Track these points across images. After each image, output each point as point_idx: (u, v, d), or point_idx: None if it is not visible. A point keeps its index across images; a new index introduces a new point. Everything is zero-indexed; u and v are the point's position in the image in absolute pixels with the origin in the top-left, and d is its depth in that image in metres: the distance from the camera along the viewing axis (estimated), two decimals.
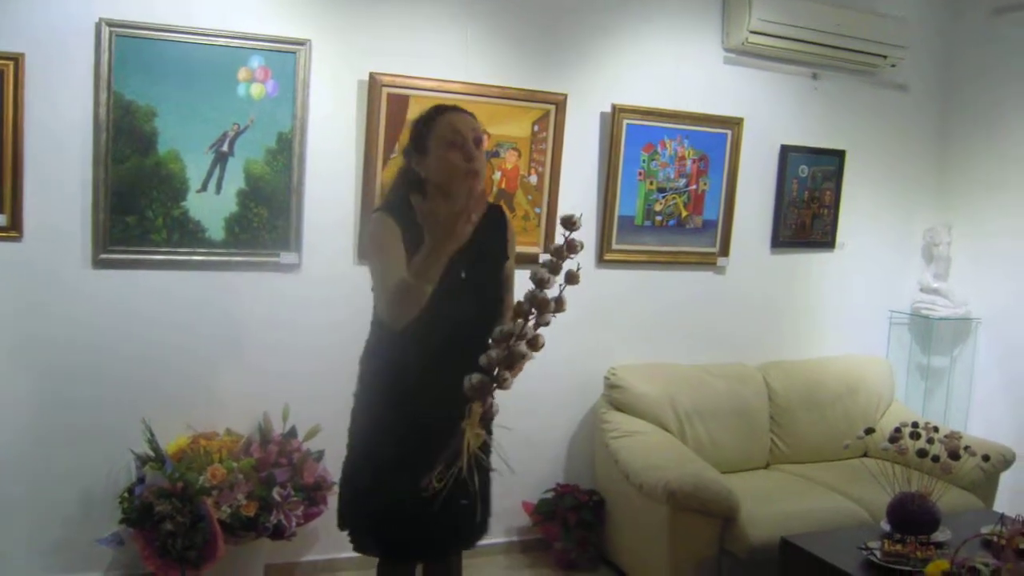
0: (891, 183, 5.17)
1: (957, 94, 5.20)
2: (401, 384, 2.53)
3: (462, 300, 2.49)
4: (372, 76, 3.83)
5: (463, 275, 2.50)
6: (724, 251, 4.68)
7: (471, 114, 2.61)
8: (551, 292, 2.20)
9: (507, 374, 2.20)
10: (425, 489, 2.23)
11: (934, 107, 5.23)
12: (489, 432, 2.47)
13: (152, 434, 3.56)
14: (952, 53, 5.20)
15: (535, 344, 2.21)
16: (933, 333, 5.12)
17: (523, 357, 2.18)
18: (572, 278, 2.25)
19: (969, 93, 5.14)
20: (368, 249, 2.71)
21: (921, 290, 5.17)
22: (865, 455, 4.62)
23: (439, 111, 2.57)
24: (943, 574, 2.77)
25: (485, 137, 2.63)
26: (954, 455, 3.32)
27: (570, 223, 2.21)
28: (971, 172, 5.13)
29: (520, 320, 2.20)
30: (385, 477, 2.53)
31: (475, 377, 2.18)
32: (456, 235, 2.17)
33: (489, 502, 2.71)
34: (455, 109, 2.59)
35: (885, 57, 4.79)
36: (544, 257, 2.47)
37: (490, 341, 2.19)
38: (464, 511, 2.50)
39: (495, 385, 2.20)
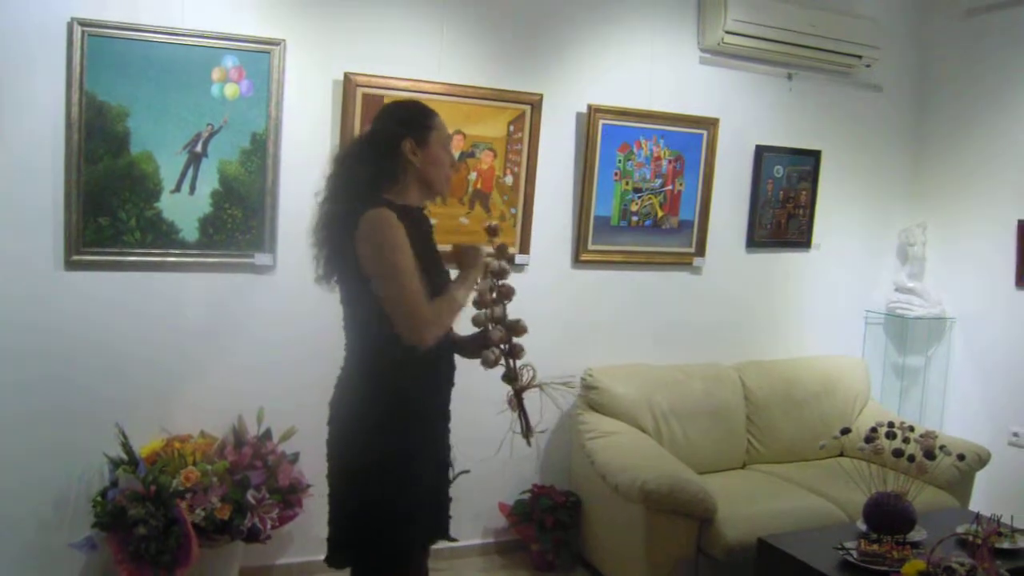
0: (866, 183, 5.20)
1: (931, 95, 5.23)
2: (439, 396, 2.62)
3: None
4: (347, 76, 3.81)
5: (445, 266, 2.67)
6: (700, 251, 4.69)
7: None
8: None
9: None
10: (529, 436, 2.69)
11: (908, 107, 5.26)
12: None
13: (125, 437, 3.53)
14: (926, 54, 5.24)
15: (517, 329, 2.65)
16: (908, 332, 5.15)
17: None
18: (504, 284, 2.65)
19: (943, 94, 5.17)
20: (385, 257, 2.34)
21: (896, 290, 5.20)
22: (841, 455, 4.65)
23: (431, 109, 2.61)
24: (919, 574, 2.78)
25: (487, 151, 2.82)
26: (929, 455, 3.34)
27: (493, 232, 2.67)
28: (945, 172, 5.16)
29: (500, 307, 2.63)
30: (429, 485, 2.59)
31: (496, 350, 2.59)
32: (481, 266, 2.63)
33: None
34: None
35: (860, 57, 4.82)
36: (521, 258, 2.70)
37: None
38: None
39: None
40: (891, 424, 3.53)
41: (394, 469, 2.44)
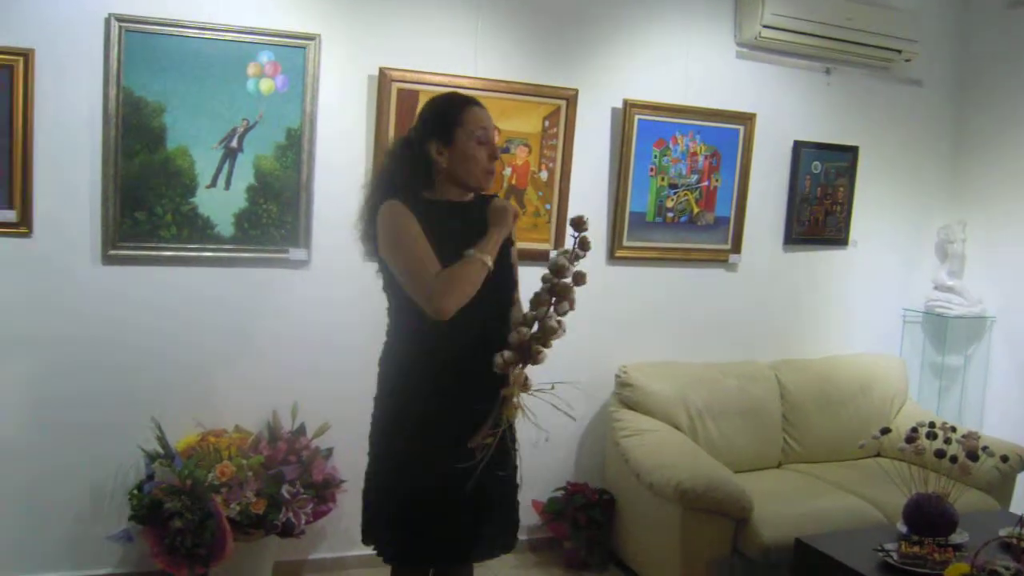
0: (905, 180, 5.12)
1: (972, 89, 5.14)
2: (448, 374, 2.49)
3: (487, 282, 2.48)
4: (382, 71, 3.80)
5: None
6: (736, 248, 4.64)
7: (484, 107, 2.61)
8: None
9: (541, 347, 2.37)
10: (473, 450, 2.39)
11: (948, 102, 5.17)
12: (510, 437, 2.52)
13: (161, 431, 3.55)
14: (967, 47, 5.14)
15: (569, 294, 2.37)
16: (947, 332, 5.06)
17: (554, 332, 2.37)
18: (580, 278, 2.39)
19: (984, 88, 5.08)
20: (392, 240, 2.45)
21: (935, 288, 5.11)
22: (878, 455, 4.59)
23: (464, 102, 2.56)
24: None
25: (522, 147, 2.66)
26: (972, 456, 3.27)
27: (579, 224, 2.40)
28: (986, 168, 5.07)
29: (543, 308, 2.38)
30: (434, 472, 2.49)
31: (507, 354, 2.35)
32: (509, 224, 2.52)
33: (516, 513, 2.75)
34: (476, 103, 2.58)
35: (899, 52, 4.74)
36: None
37: (520, 328, 2.38)
38: (491, 518, 2.58)
39: (528, 360, 2.38)
40: (932, 424, 3.46)
41: (381, 472, 2.60)
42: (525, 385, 2.42)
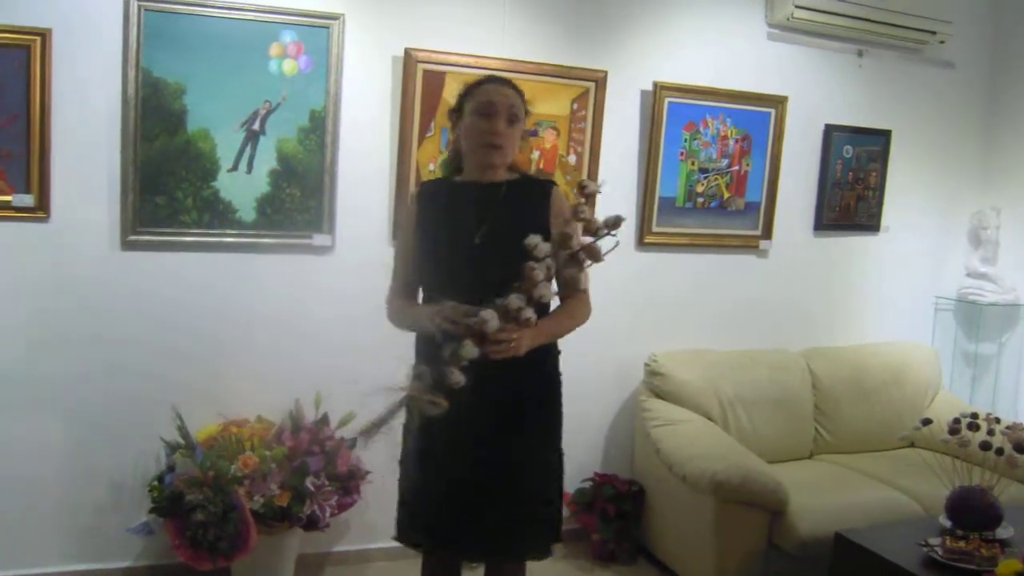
0: (937, 164, 5.00)
1: (1005, 72, 5.00)
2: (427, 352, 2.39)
3: (476, 263, 2.43)
4: (407, 52, 3.70)
5: (477, 240, 2.45)
6: (767, 234, 4.53)
7: (517, 89, 2.52)
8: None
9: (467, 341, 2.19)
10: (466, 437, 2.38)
11: (981, 85, 5.05)
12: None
13: (182, 421, 3.47)
14: (1000, 29, 5.01)
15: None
16: (981, 319, 4.95)
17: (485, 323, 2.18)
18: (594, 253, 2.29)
19: (1018, 71, 4.94)
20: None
21: (968, 275, 5.00)
22: (912, 445, 4.48)
23: (487, 79, 2.54)
24: (1016, 575, 2.63)
25: (524, 114, 2.50)
26: (1020, 448, 3.17)
27: (616, 223, 2.27)
28: (1020, 153, 4.94)
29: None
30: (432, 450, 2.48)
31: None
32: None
33: (557, 523, 2.67)
34: (499, 80, 2.54)
35: (934, 33, 4.62)
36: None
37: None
38: (488, 507, 2.46)
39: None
40: (975, 415, 3.37)
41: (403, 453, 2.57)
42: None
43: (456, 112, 2.55)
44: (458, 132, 2.54)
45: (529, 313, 2.21)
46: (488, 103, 2.45)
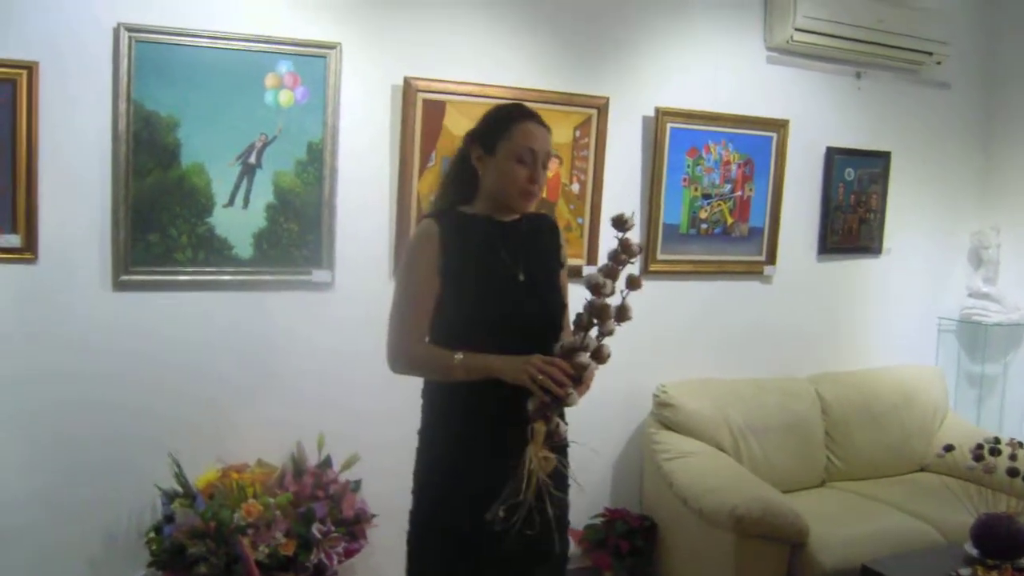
0: (936, 184, 4.98)
1: (1001, 91, 5.00)
2: (476, 419, 2.29)
3: (524, 302, 2.34)
4: (406, 81, 3.61)
5: (521, 278, 2.36)
6: (771, 259, 4.47)
7: (548, 127, 2.39)
8: (612, 300, 2.17)
9: (571, 389, 2.12)
10: (492, 522, 2.09)
11: (979, 105, 5.04)
12: (562, 454, 2.31)
13: (180, 468, 3.32)
14: (995, 48, 5.01)
15: (600, 355, 2.16)
16: (985, 340, 4.90)
17: (586, 368, 2.13)
18: (633, 283, 2.22)
19: (1014, 89, 4.94)
20: (402, 267, 2.39)
21: (970, 295, 4.96)
22: (922, 469, 4.41)
23: (521, 114, 2.36)
24: None
25: (554, 159, 2.41)
26: None
27: (621, 223, 2.18)
28: (1018, 171, 4.94)
29: (582, 332, 2.16)
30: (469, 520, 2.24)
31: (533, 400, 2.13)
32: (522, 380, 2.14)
33: (566, 535, 2.49)
34: (535, 117, 2.36)
35: (930, 54, 4.60)
36: (589, 270, 2.33)
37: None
38: (534, 543, 2.25)
39: (559, 401, 2.12)
40: (996, 440, 3.30)
41: (419, 489, 2.42)
42: (554, 436, 2.14)
43: (480, 142, 2.36)
44: (481, 163, 2.36)
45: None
46: (530, 151, 2.30)
